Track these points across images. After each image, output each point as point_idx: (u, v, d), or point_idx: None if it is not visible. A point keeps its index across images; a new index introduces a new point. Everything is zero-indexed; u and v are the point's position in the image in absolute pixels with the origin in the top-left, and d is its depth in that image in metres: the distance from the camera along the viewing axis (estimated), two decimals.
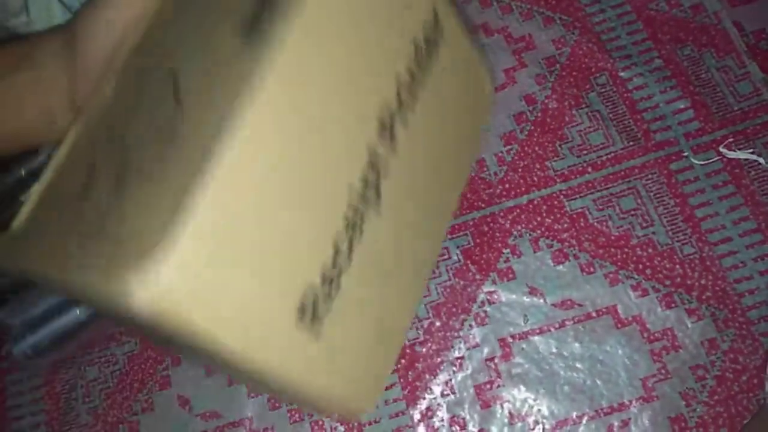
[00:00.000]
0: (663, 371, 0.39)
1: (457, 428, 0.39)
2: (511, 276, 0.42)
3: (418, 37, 0.27)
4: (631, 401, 0.38)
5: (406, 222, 0.31)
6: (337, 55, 0.22)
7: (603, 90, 0.45)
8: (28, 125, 0.31)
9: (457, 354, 0.41)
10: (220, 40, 0.22)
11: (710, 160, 0.42)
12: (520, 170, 0.44)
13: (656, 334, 0.39)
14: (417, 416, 0.40)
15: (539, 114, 0.45)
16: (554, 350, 0.40)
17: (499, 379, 0.40)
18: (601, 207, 0.42)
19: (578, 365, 0.39)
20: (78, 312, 0.41)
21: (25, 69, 0.30)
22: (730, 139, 0.42)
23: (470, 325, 0.41)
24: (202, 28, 0.24)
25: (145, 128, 0.23)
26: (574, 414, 0.39)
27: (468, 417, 0.40)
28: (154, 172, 0.20)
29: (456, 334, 0.41)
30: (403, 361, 0.41)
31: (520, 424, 0.39)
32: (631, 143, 0.43)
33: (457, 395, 0.40)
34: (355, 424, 0.41)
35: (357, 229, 0.25)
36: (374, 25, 0.24)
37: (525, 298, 0.41)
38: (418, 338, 0.41)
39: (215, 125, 0.19)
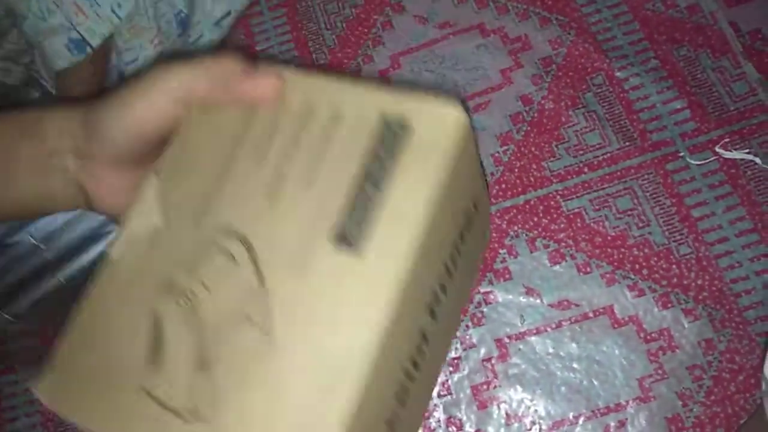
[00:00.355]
0: (660, 371, 0.39)
1: (454, 429, 0.39)
2: (507, 276, 0.42)
3: (461, 222, 0.28)
4: (627, 401, 0.38)
5: (434, 365, 0.35)
6: (417, 260, 0.23)
7: (599, 90, 0.45)
8: (23, 200, 0.28)
9: (453, 354, 0.41)
10: (306, 237, 0.23)
11: (706, 161, 0.42)
12: (516, 170, 0.44)
13: (653, 335, 0.39)
14: None
15: (536, 114, 0.45)
16: (551, 351, 0.40)
17: (495, 380, 0.40)
18: (597, 207, 0.42)
19: (575, 366, 0.39)
20: (59, 278, 0.42)
21: (27, 142, 0.28)
22: (726, 140, 0.42)
23: (467, 326, 0.41)
24: (275, 207, 0.24)
25: (221, 300, 0.23)
26: (571, 414, 0.39)
27: (465, 418, 0.40)
28: (255, 379, 0.21)
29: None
30: None
31: (516, 425, 0.39)
32: (628, 143, 0.43)
33: (454, 396, 0.40)
34: None
35: (405, 400, 0.27)
36: (441, 225, 0.25)
37: (522, 299, 0.41)
38: None
39: (338, 359, 0.21)
